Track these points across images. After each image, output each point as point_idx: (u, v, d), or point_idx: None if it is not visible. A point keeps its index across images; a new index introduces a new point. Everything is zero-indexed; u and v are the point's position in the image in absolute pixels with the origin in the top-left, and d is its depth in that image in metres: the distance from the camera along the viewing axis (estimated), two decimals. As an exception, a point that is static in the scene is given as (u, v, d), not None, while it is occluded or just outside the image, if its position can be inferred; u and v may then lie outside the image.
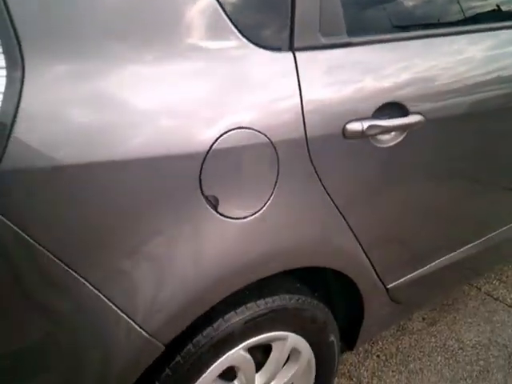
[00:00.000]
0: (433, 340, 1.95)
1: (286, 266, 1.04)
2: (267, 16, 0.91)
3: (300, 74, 0.93)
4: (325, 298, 1.34)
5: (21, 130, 0.68)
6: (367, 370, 1.84)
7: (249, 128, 0.87)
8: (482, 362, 1.82)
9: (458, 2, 1.21)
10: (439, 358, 1.86)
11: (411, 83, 1.07)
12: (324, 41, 0.96)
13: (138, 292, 0.86)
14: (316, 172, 0.99)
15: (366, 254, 1.20)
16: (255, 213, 0.93)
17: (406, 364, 1.84)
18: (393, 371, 1.82)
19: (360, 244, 1.17)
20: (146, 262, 0.85)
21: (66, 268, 0.76)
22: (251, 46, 0.89)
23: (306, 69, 0.94)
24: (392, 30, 1.09)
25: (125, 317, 0.84)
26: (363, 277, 1.25)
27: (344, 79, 0.99)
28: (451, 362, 1.84)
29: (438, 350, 1.90)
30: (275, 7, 0.92)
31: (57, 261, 0.75)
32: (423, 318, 2.06)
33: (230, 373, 1.17)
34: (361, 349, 1.94)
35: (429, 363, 1.83)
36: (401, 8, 1.14)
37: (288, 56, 0.93)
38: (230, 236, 0.90)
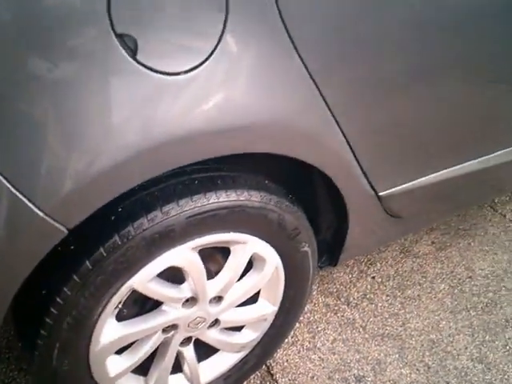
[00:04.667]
0: (439, 266, 1.80)
1: (234, 148, 0.86)
2: None
3: None
4: (307, 203, 1.18)
5: None
6: (358, 292, 1.72)
7: None
8: (490, 294, 1.68)
9: None
10: (443, 285, 1.72)
11: None
12: None
13: (31, 161, 0.70)
14: (282, 19, 0.77)
15: (350, 147, 1.01)
16: (193, 68, 0.74)
17: (403, 289, 1.71)
18: (387, 295, 1.69)
19: (343, 133, 0.97)
20: (38, 123, 0.69)
21: None
22: None
23: None
24: None
25: (10, 188, 0.69)
26: (347, 179, 1.07)
27: None
28: (456, 291, 1.69)
29: (444, 277, 1.75)
30: None
31: None
32: (432, 242, 1.90)
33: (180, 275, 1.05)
34: (355, 268, 1.81)
35: (429, 290, 1.70)
36: None
37: None
38: (154, 96, 0.72)
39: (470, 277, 1.75)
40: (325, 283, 1.75)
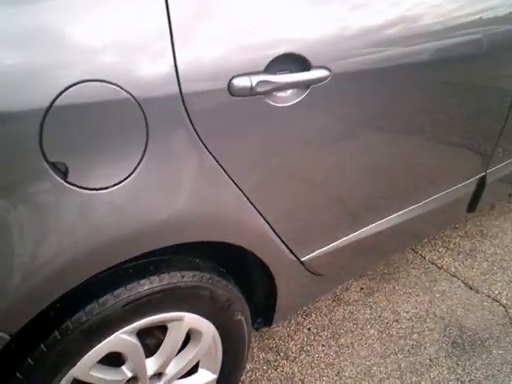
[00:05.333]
0: (368, 312, 1.95)
1: (163, 242, 0.96)
2: None
3: (172, 21, 0.82)
4: (241, 274, 1.30)
5: None
6: (296, 345, 1.83)
7: (103, 81, 0.77)
8: (415, 336, 1.84)
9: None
10: (372, 331, 1.86)
11: (313, 34, 0.98)
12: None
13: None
14: (198, 134, 0.90)
15: (270, 226, 1.14)
16: (120, 182, 0.84)
17: (337, 337, 1.84)
18: (322, 345, 1.81)
19: (262, 216, 1.10)
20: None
21: None
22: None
23: (179, 14, 0.84)
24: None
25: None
26: (269, 251, 1.19)
27: (227, 27, 0.89)
28: (384, 335, 1.84)
29: (373, 322, 1.90)
30: None
31: None
32: (361, 288, 2.06)
33: (119, 357, 1.12)
34: (292, 321, 1.92)
35: (361, 337, 1.84)
36: None
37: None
38: (85, 209, 0.82)
39: (397, 320, 1.91)
40: (264, 339, 1.85)
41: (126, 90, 0.79)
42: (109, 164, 0.82)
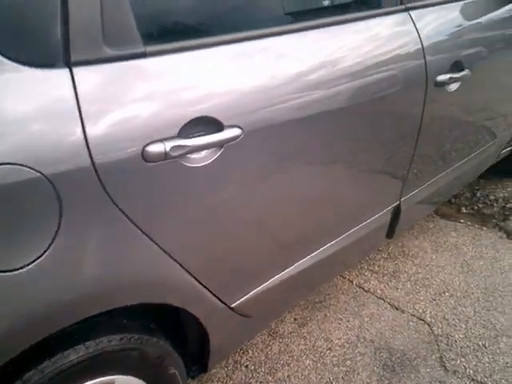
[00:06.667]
0: (302, 342, 1.98)
1: (85, 313, 0.95)
2: (31, 25, 0.79)
3: (79, 93, 0.83)
4: (171, 325, 1.29)
5: None
6: (234, 384, 1.82)
7: (8, 163, 0.76)
8: (348, 362, 1.89)
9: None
10: (307, 361, 1.90)
11: (223, 95, 1.01)
12: (110, 52, 0.86)
13: None
14: (115, 203, 0.90)
15: (196, 280, 1.15)
16: (35, 260, 0.83)
17: (274, 372, 1.86)
18: (260, 382, 1.82)
19: (188, 271, 1.11)
20: None
21: None
22: (12, 64, 0.78)
23: (87, 86, 0.84)
24: (198, 35, 1.01)
25: None
26: (197, 303, 1.20)
27: (137, 95, 0.91)
28: (319, 365, 1.88)
29: (307, 352, 1.94)
30: (41, 13, 0.80)
31: None
32: (295, 319, 2.10)
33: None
34: (230, 360, 1.92)
35: (297, 368, 1.87)
36: (205, 12, 1.07)
37: (63, 73, 0.82)
38: (3, 290, 0.80)
39: (330, 348, 1.96)
40: (203, 383, 1.83)
41: (35, 170, 0.78)
42: (24, 243, 0.81)
